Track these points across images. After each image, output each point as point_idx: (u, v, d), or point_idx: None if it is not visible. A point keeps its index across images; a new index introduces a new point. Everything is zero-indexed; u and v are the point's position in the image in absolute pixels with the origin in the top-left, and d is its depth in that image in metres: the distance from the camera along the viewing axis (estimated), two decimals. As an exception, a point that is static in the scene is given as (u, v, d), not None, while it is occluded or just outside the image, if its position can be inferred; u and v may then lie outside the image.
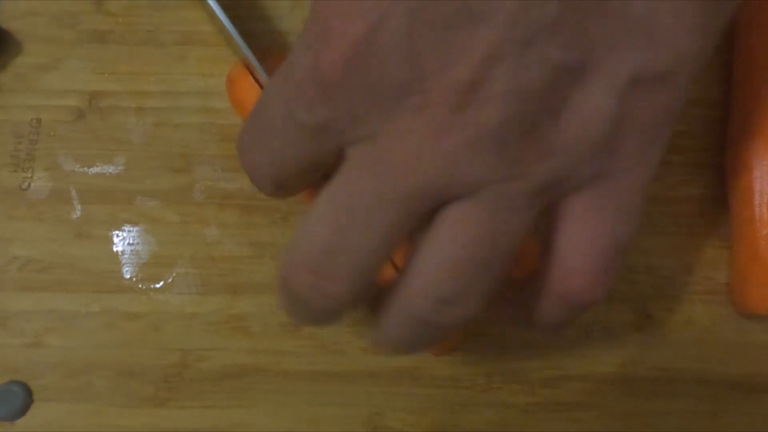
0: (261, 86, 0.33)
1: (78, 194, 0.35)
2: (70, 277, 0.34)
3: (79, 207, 0.35)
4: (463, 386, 0.33)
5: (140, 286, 0.34)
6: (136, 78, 0.36)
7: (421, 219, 0.23)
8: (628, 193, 0.24)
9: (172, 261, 0.34)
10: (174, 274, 0.34)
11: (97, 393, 0.32)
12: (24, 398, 0.32)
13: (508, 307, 0.28)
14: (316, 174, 0.26)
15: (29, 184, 0.35)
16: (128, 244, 0.34)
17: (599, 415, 0.32)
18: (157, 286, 0.34)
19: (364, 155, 0.23)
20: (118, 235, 0.34)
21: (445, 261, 0.23)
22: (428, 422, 0.32)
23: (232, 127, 0.36)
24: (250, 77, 0.33)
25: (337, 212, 0.23)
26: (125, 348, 0.33)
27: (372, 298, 0.25)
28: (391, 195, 0.22)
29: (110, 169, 0.35)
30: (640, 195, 0.24)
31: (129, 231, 0.34)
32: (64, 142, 0.36)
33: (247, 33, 0.37)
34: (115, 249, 0.34)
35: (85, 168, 0.35)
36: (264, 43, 0.37)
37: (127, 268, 0.34)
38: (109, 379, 0.32)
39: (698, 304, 0.33)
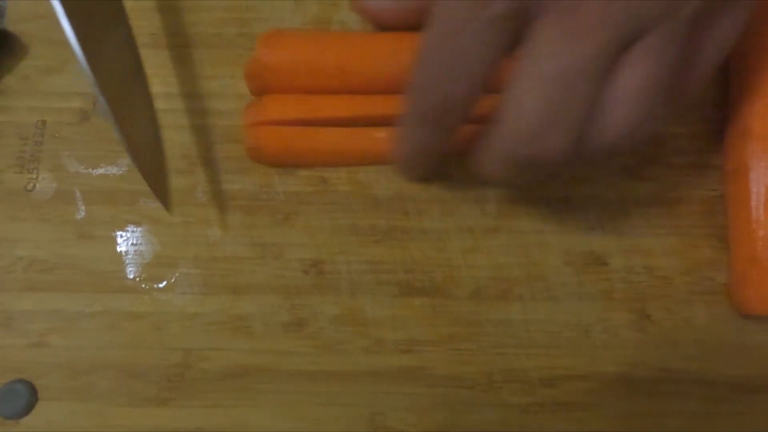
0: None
1: (82, 195, 0.35)
2: (73, 277, 0.34)
3: (83, 208, 0.35)
4: (464, 386, 0.33)
5: (143, 286, 0.34)
6: (140, 80, 0.37)
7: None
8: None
9: (175, 261, 0.34)
10: (177, 275, 0.34)
11: (100, 393, 0.33)
12: (28, 397, 0.32)
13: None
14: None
15: (34, 186, 0.35)
16: (131, 244, 0.34)
17: (599, 415, 0.32)
18: (160, 286, 0.34)
19: (552, 24, 0.24)
20: (121, 236, 0.35)
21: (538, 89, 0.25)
22: (429, 422, 0.32)
23: (234, 129, 0.36)
24: None
25: (552, 85, 0.24)
26: (128, 348, 0.33)
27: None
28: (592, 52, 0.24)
29: (114, 170, 0.36)
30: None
31: (132, 232, 0.35)
32: (69, 143, 0.36)
33: (250, 35, 0.37)
34: (118, 249, 0.34)
35: (89, 169, 0.36)
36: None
37: (130, 269, 0.34)
38: (112, 378, 0.33)
39: (697, 305, 0.34)
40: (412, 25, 0.33)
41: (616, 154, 0.28)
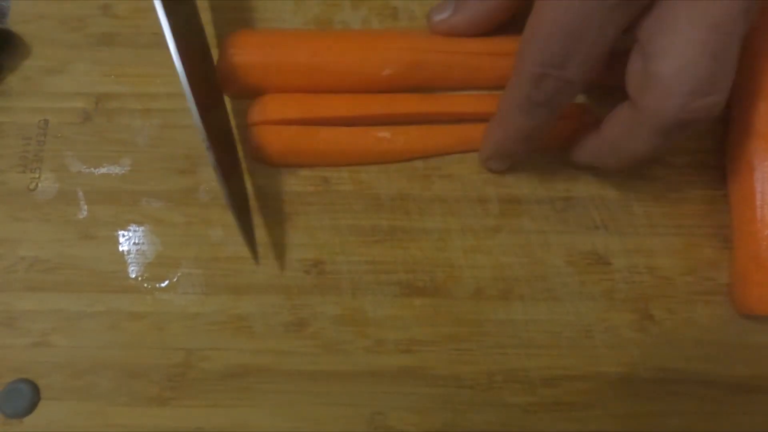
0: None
1: (84, 195, 0.35)
2: (75, 277, 0.34)
3: (85, 208, 0.35)
4: (464, 386, 0.33)
5: (145, 285, 0.34)
6: (142, 80, 0.37)
7: None
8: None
9: (177, 261, 0.34)
10: (179, 274, 0.34)
11: (102, 392, 0.33)
12: (31, 397, 0.33)
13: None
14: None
15: (36, 185, 0.35)
16: (133, 244, 0.35)
17: (600, 415, 0.32)
18: (162, 285, 0.34)
19: None
20: (123, 236, 0.35)
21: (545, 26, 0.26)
22: (430, 422, 0.32)
23: (235, 129, 0.36)
24: None
25: (716, 31, 0.25)
26: (129, 348, 0.33)
27: None
28: None
29: (116, 170, 0.36)
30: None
31: (134, 231, 0.35)
32: (71, 143, 0.36)
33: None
34: (120, 249, 0.35)
35: (92, 169, 0.36)
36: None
37: (132, 268, 0.34)
38: (113, 378, 0.33)
39: (699, 305, 0.34)
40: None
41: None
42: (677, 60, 0.25)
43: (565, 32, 0.26)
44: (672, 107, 0.26)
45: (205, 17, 0.38)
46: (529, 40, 0.27)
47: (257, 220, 0.35)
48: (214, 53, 0.37)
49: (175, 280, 0.34)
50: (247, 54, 0.34)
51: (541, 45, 0.26)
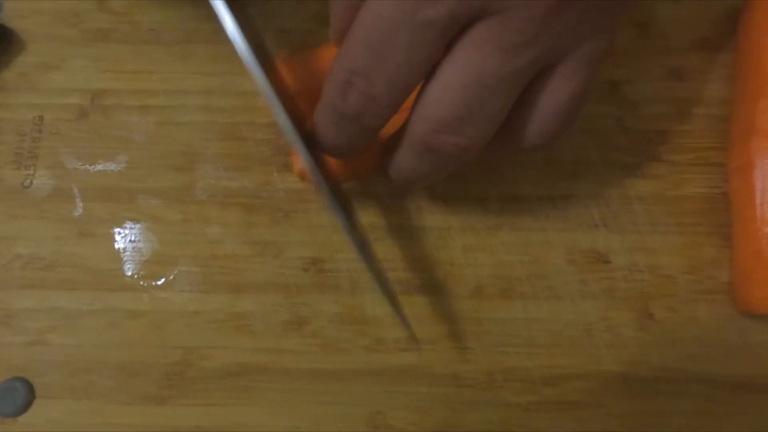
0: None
1: (80, 192, 0.35)
2: (72, 275, 0.34)
3: (81, 205, 0.35)
4: (465, 385, 0.32)
5: (142, 283, 0.34)
6: (139, 76, 0.37)
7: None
8: (522, 25, 0.24)
9: (174, 259, 0.34)
10: (176, 272, 0.34)
11: (100, 391, 0.32)
12: (26, 395, 0.32)
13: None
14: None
15: (31, 182, 0.35)
16: (130, 241, 0.34)
17: (601, 414, 0.32)
18: (159, 283, 0.34)
19: (485, 32, 0.24)
20: (120, 233, 0.34)
21: (452, 84, 0.25)
22: (430, 421, 0.32)
23: (233, 126, 0.36)
24: None
25: (474, 90, 0.25)
26: (128, 346, 0.33)
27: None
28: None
29: (112, 167, 0.35)
30: (529, 34, 0.24)
31: (131, 229, 0.34)
32: (67, 140, 0.36)
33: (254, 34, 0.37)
34: (117, 247, 0.34)
35: (88, 166, 0.35)
36: (270, 44, 0.37)
37: (128, 266, 0.34)
38: (111, 377, 0.32)
39: (700, 304, 0.33)
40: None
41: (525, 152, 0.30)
42: (438, 90, 0.25)
43: (373, 40, 0.24)
44: (421, 129, 0.26)
45: (202, 13, 0.37)
46: (346, 41, 0.26)
47: (257, 218, 0.34)
48: (214, 50, 0.37)
49: (171, 278, 0.34)
50: None
51: (352, 49, 0.25)
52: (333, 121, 0.27)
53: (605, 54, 0.27)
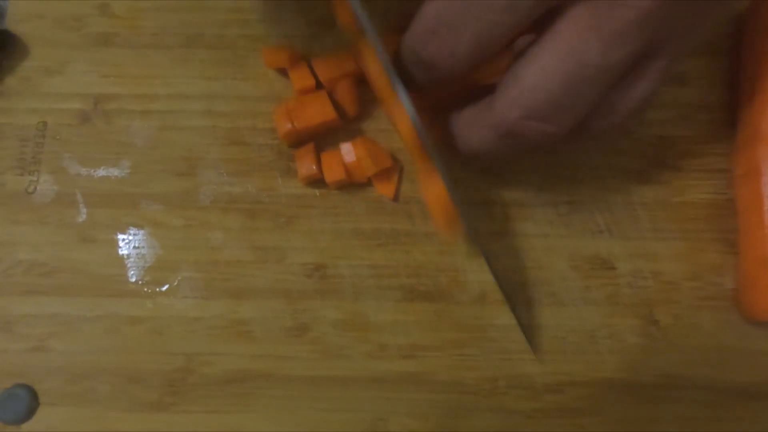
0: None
1: (83, 198, 0.35)
2: (74, 281, 0.34)
3: (84, 211, 0.35)
4: (467, 391, 0.32)
5: (145, 290, 0.34)
6: (141, 81, 0.36)
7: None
8: (627, 15, 0.24)
9: (176, 265, 0.34)
10: (179, 278, 0.34)
11: (101, 397, 0.32)
12: (29, 402, 0.32)
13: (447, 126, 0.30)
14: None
15: (35, 188, 0.35)
16: (133, 247, 0.34)
17: (604, 421, 0.32)
18: (162, 289, 0.34)
19: (586, 16, 0.24)
20: (122, 239, 0.34)
21: (552, 71, 0.25)
22: (431, 427, 0.32)
23: (235, 131, 0.36)
24: None
25: (567, 77, 0.25)
26: (129, 352, 0.33)
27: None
28: None
29: (115, 172, 0.35)
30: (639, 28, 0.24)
31: (134, 235, 0.34)
32: (70, 145, 0.36)
33: (253, 36, 0.37)
34: (119, 253, 0.34)
35: (90, 172, 0.35)
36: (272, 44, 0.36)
37: (131, 272, 0.34)
38: (112, 383, 0.32)
39: (704, 310, 0.33)
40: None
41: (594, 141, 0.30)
42: (536, 75, 0.25)
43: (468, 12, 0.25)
44: (510, 114, 0.26)
45: (205, 17, 0.37)
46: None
47: (259, 224, 0.34)
48: (216, 55, 0.37)
49: (175, 284, 0.34)
50: None
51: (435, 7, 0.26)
52: (410, 61, 0.28)
53: (682, 55, 0.26)
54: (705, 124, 0.36)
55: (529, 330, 0.32)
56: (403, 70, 0.29)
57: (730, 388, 0.32)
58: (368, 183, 0.35)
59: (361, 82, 0.35)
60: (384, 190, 0.34)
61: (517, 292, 0.33)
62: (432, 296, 0.33)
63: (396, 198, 0.35)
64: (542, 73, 0.25)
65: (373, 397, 0.32)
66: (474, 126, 0.28)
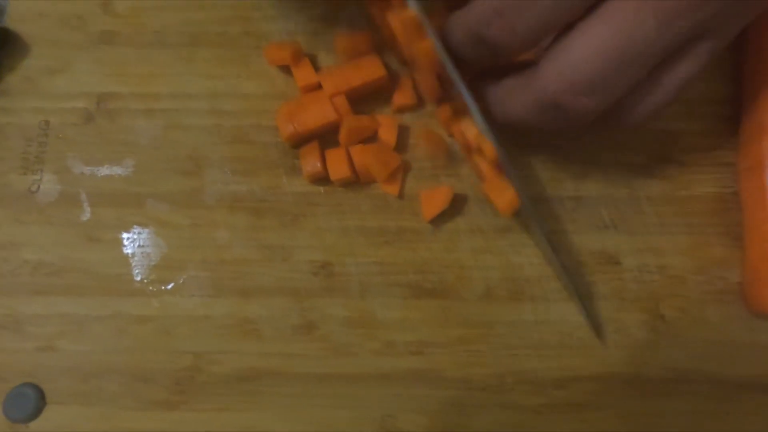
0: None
1: (87, 197, 0.35)
2: (81, 280, 0.34)
3: (88, 210, 0.35)
4: (475, 388, 0.32)
5: (151, 288, 0.34)
6: (145, 80, 0.36)
7: None
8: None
9: (183, 264, 0.34)
10: (185, 277, 0.34)
11: (109, 396, 0.32)
12: (37, 401, 0.32)
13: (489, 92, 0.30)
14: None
15: (38, 187, 0.35)
16: (138, 246, 0.34)
17: (611, 415, 0.32)
18: (168, 288, 0.34)
19: None
20: (128, 238, 0.34)
21: (602, 46, 0.25)
22: (440, 424, 0.32)
23: (240, 129, 0.35)
24: None
25: (614, 54, 0.25)
26: (137, 351, 0.33)
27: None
28: None
29: (119, 171, 0.35)
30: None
31: (139, 234, 0.34)
32: (73, 144, 0.36)
33: (256, 34, 0.37)
34: (125, 252, 0.34)
35: (94, 171, 0.35)
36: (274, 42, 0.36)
37: (137, 271, 0.34)
38: (121, 382, 0.32)
39: (710, 304, 0.33)
40: None
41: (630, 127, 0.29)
42: (585, 49, 0.25)
43: None
44: (553, 85, 0.26)
45: (207, 15, 0.37)
46: None
47: (265, 222, 0.34)
48: (220, 53, 0.37)
49: (181, 282, 0.34)
50: None
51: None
52: (469, 41, 0.28)
53: (731, 38, 0.26)
54: (710, 118, 0.36)
55: (595, 320, 0.32)
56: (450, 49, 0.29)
57: (736, 382, 0.32)
58: (373, 180, 0.35)
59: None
60: (389, 188, 0.34)
61: (580, 283, 0.33)
62: (438, 293, 0.33)
63: (401, 195, 0.35)
64: (592, 46, 0.25)
65: (381, 394, 0.32)
66: (515, 95, 0.28)
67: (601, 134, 0.35)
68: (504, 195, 0.31)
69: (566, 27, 0.26)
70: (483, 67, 0.31)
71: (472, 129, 0.31)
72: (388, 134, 0.35)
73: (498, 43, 0.27)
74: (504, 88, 0.29)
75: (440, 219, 0.34)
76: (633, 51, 0.24)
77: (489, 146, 0.30)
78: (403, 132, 0.36)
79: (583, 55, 0.25)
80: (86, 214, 0.35)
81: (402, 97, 0.36)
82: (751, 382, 0.33)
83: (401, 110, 0.36)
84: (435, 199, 0.34)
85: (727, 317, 0.33)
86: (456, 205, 0.34)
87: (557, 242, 0.34)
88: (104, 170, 0.35)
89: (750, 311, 0.33)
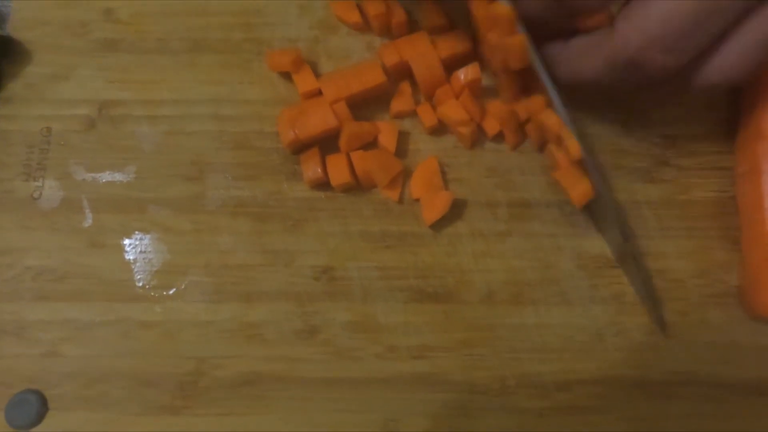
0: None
1: (90, 203, 0.35)
2: (84, 286, 0.34)
3: (90, 216, 0.35)
4: (477, 391, 0.33)
5: (153, 294, 0.34)
6: (147, 86, 0.37)
7: None
8: None
9: (185, 269, 0.34)
10: (187, 282, 0.34)
11: (113, 402, 0.32)
12: (39, 407, 0.32)
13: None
14: None
15: (41, 194, 0.35)
16: (141, 252, 0.34)
17: (613, 418, 0.32)
18: (170, 293, 0.34)
19: None
20: (130, 244, 0.34)
21: (674, 2, 0.25)
22: (443, 427, 0.32)
23: (242, 135, 0.36)
24: None
25: (692, 10, 0.25)
26: (141, 357, 0.33)
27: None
28: None
29: (122, 177, 0.35)
30: None
31: (141, 239, 0.34)
32: (75, 151, 0.36)
33: (258, 40, 0.37)
34: (127, 257, 0.34)
35: (96, 177, 0.35)
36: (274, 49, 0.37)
37: (139, 276, 0.34)
38: (125, 387, 0.33)
39: (710, 307, 0.34)
40: None
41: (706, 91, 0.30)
42: (660, 5, 0.25)
43: None
44: (631, 42, 0.26)
45: (209, 21, 0.37)
46: None
47: (268, 227, 0.34)
48: (222, 59, 0.37)
49: (183, 287, 0.34)
50: None
51: None
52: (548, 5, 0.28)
53: None
54: (708, 123, 0.36)
55: (659, 319, 0.33)
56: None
57: (738, 385, 0.33)
58: (373, 185, 0.35)
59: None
60: (390, 193, 0.35)
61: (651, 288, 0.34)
62: (440, 297, 0.34)
63: (401, 200, 0.35)
64: (670, 2, 0.25)
65: (384, 397, 0.32)
66: (588, 55, 0.29)
67: (676, 94, 0.35)
68: (579, 186, 0.32)
69: None
70: (553, 32, 0.31)
71: (553, 117, 0.31)
72: (388, 140, 0.35)
73: (579, 6, 0.27)
74: (576, 48, 0.30)
75: (441, 223, 0.34)
76: (714, 6, 0.25)
77: (574, 144, 0.30)
78: (402, 137, 0.36)
79: (663, 11, 0.25)
80: (88, 220, 0.35)
81: (400, 103, 0.36)
82: (752, 384, 0.33)
83: (399, 116, 0.36)
84: (435, 204, 0.34)
85: (728, 320, 0.33)
86: (456, 210, 0.35)
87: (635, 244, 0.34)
88: (106, 176, 0.35)
89: (749, 314, 0.33)
